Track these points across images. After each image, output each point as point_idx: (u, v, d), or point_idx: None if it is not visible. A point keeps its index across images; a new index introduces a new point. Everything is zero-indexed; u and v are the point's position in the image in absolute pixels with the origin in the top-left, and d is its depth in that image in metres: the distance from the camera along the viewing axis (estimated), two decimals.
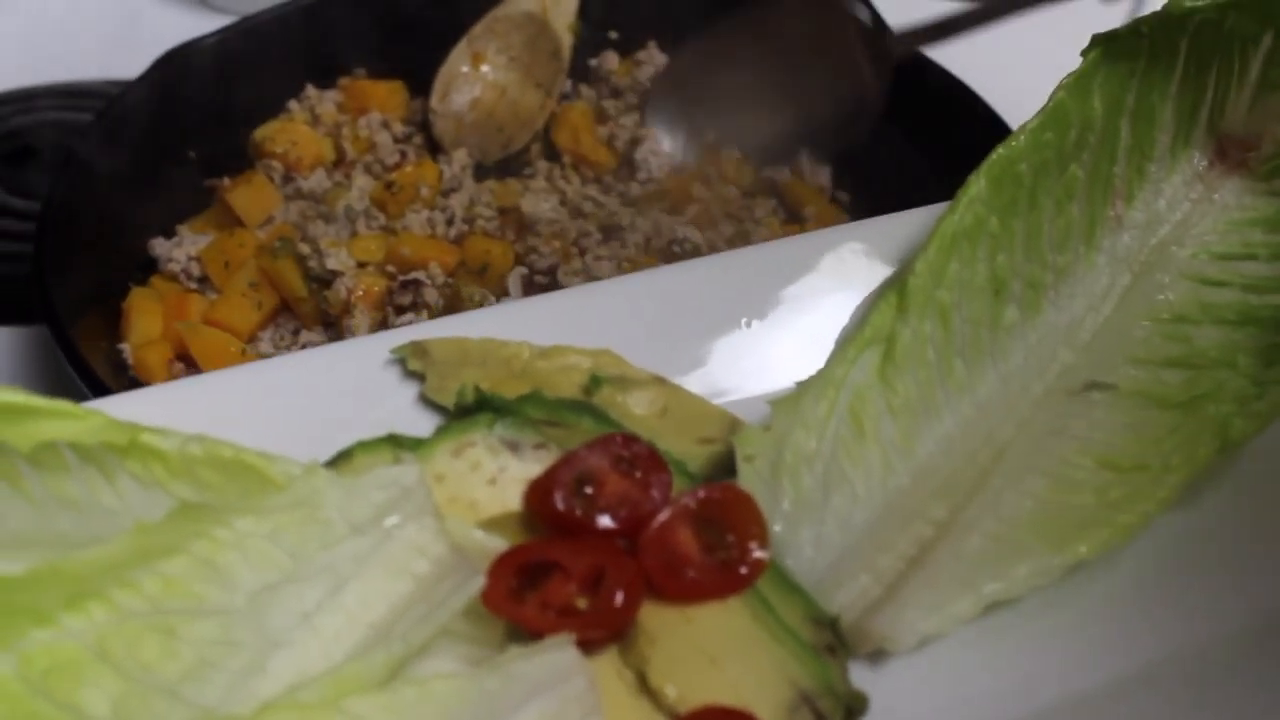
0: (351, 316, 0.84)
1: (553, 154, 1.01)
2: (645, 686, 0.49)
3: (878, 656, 0.52)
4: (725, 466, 0.56)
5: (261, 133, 0.96)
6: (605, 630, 0.49)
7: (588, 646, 0.49)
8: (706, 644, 0.49)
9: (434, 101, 1.01)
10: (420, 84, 1.02)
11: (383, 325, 0.84)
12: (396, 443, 0.55)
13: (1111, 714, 0.49)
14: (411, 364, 0.59)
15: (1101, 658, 0.52)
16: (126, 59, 1.00)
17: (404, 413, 0.58)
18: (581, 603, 0.49)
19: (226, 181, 0.94)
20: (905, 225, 0.65)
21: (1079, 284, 0.63)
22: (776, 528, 0.54)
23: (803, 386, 0.58)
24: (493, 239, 0.90)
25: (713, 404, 0.59)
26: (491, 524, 0.53)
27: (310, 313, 0.86)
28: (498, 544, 0.51)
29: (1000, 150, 0.62)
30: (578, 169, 0.99)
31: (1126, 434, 0.58)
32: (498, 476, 0.54)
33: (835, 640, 0.50)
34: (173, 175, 0.95)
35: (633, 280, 0.64)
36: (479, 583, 0.48)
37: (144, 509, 0.50)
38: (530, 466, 0.54)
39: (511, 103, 1.02)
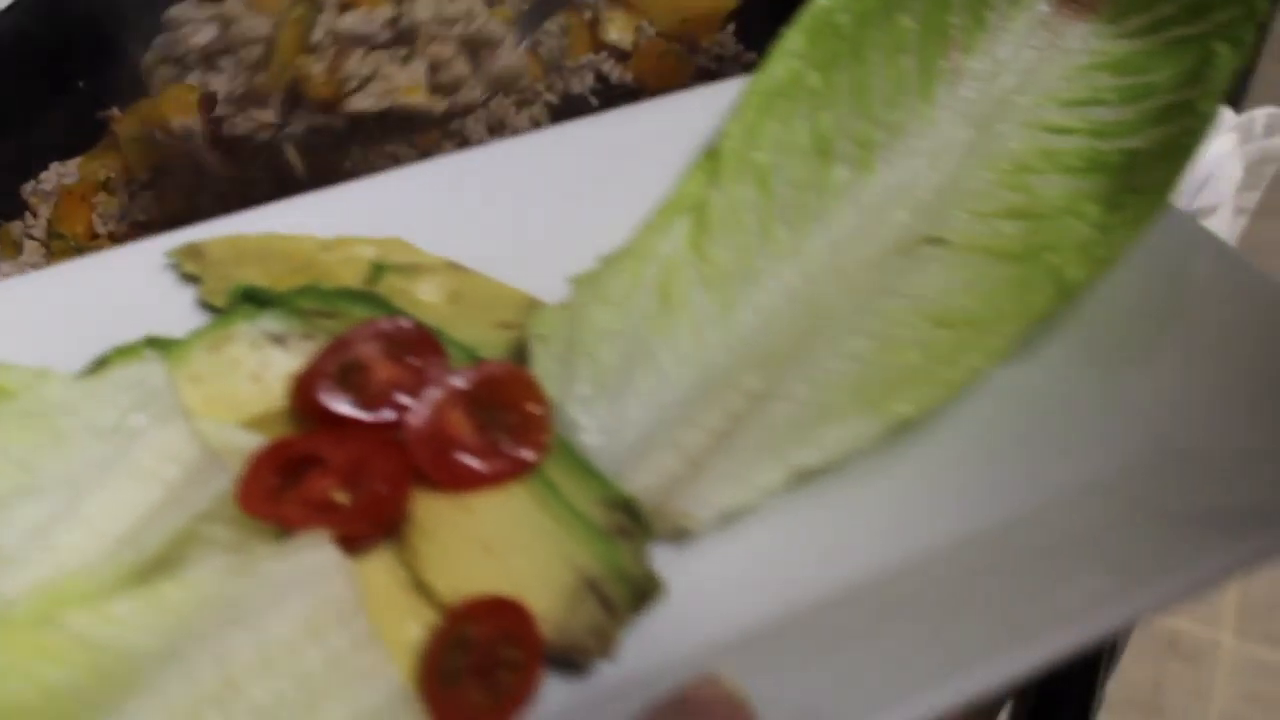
0: None
1: None
2: (418, 582, 0.44)
3: (684, 538, 0.47)
4: (526, 352, 0.51)
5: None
6: (369, 524, 0.44)
7: (354, 544, 0.44)
8: (484, 534, 0.45)
9: None
10: None
11: None
12: (154, 345, 0.50)
13: (918, 586, 0.45)
14: (186, 267, 0.54)
15: (917, 528, 0.47)
16: None
17: (182, 319, 0.54)
18: (342, 497, 0.45)
19: (117, 112, 0.86)
20: (722, 96, 0.60)
21: (915, 140, 0.58)
22: (572, 408, 0.49)
23: (605, 261, 0.53)
24: None
25: (509, 286, 0.54)
26: (255, 422, 0.48)
27: None
28: (261, 443, 0.47)
29: (817, 1, 0.58)
30: None
31: (959, 290, 0.53)
32: (261, 372, 0.49)
33: (629, 522, 0.46)
34: (60, 108, 0.86)
35: (429, 166, 0.58)
36: (224, 481, 0.44)
37: None
38: (297, 360, 0.49)
39: None
